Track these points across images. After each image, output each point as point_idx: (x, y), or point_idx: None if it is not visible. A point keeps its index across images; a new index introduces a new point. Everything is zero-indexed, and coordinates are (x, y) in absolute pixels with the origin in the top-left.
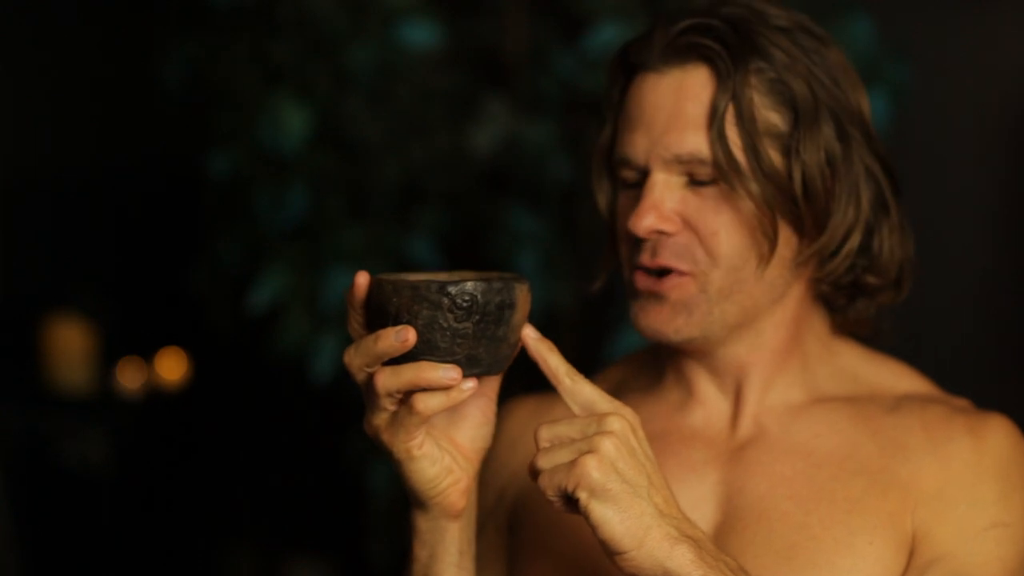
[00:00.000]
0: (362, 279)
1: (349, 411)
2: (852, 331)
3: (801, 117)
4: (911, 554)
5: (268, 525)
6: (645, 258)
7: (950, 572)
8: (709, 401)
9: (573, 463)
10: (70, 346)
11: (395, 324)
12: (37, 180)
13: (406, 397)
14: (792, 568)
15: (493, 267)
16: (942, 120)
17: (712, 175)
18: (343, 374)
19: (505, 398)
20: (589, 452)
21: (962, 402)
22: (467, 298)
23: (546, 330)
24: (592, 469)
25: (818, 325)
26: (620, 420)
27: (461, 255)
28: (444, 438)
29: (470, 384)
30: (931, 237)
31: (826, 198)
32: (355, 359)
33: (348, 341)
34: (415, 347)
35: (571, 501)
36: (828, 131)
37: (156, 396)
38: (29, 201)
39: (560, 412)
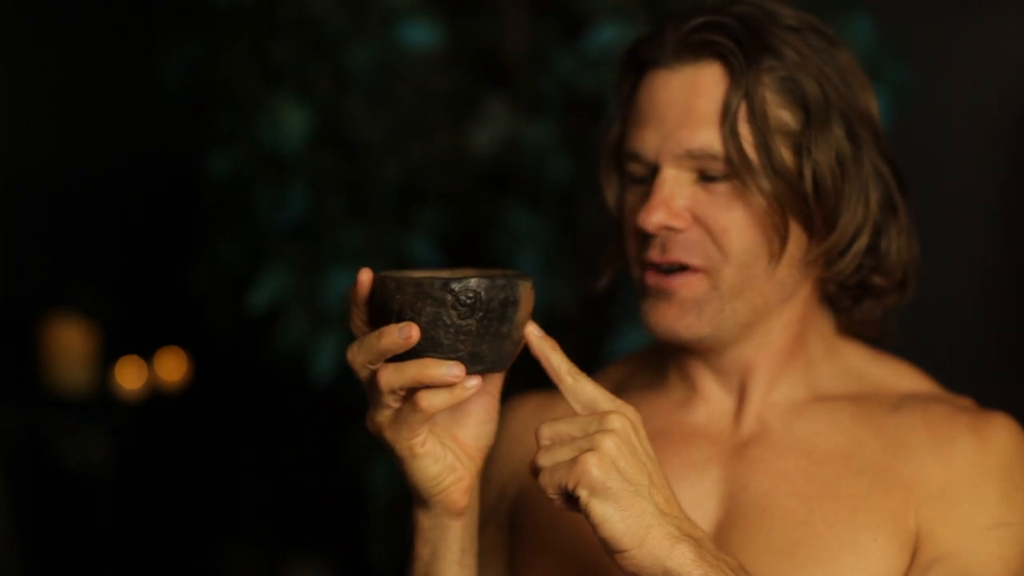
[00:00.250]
0: (365, 276)
1: (349, 411)
2: (858, 332)
3: (812, 116)
4: (914, 553)
5: (268, 525)
6: (654, 254)
7: (953, 572)
8: (712, 399)
9: (574, 461)
10: (70, 346)
11: (398, 321)
12: (37, 180)
13: (409, 394)
14: (794, 565)
15: (494, 267)
16: (942, 120)
17: (724, 171)
18: (343, 374)
19: (508, 395)
20: (590, 450)
21: (965, 401)
22: (471, 295)
23: (546, 330)
24: (593, 467)
25: (824, 325)
26: (621, 419)
27: (461, 255)
28: (447, 435)
29: (474, 381)
30: (931, 237)
31: (836, 198)
32: (358, 356)
33: (349, 341)
34: (418, 344)
35: (571, 499)
36: (839, 131)
37: (156, 396)
38: (29, 201)
39: (563, 410)
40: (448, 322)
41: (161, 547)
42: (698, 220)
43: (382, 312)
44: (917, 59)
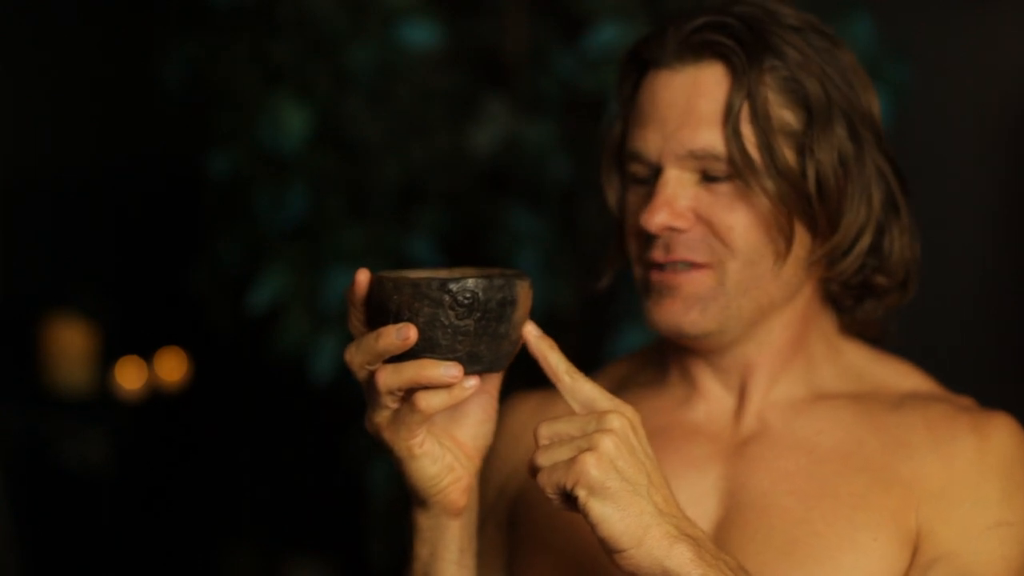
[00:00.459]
0: (363, 276)
1: (349, 411)
2: (859, 332)
3: (815, 117)
4: (914, 552)
5: (268, 525)
6: (657, 254)
7: (953, 571)
8: (712, 397)
9: (572, 461)
10: (70, 346)
11: (396, 322)
12: (37, 180)
13: (407, 395)
14: (793, 564)
15: (494, 267)
16: (942, 120)
17: (726, 171)
18: (343, 374)
19: (506, 395)
20: (588, 450)
21: (966, 401)
22: (468, 295)
23: (546, 330)
24: (591, 467)
25: (825, 325)
26: (620, 418)
27: (461, 255)
28: (445, 436)
29: (472, 382)
30: (931, 237)
31: (839, 197)
32: (356, 357)
33: (348, 340)
34: (416, 345)
35: (570, 499)
36: (841, 131)
37: (156, 396)
38: (29, 201)
39: (562, 409)
40: (446, 323)
41: (161, 547)
42: (701, 220)
43: (380, 313)
44: (917, 59)
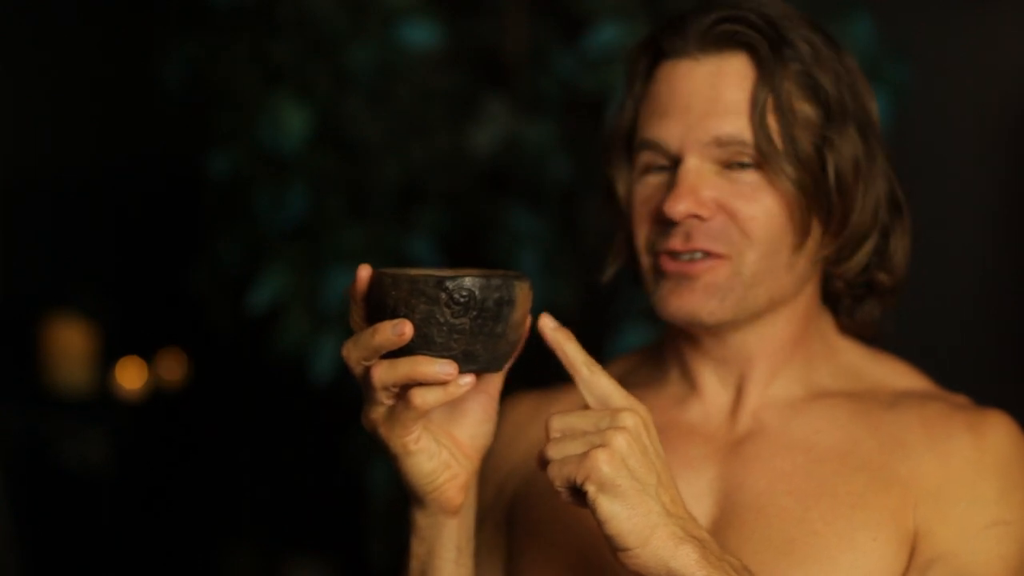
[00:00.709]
0: (364, 272)
1: (349, 411)
2: (858, 333)
3: (832, 112)
4: (912, 552)
5: (268, 525)
6: (676, 243)
7: (952, 571)
8: (709, 394)
9: (584, 455)
10: (70, 346)
11: (393, 318)
12: (37, 180)
13: (403, 391)
14: (790, 563)
15: (494, 267)
16: (942, 120)
17: (753, 158)
18: (343, 374)
19: (505, 394)
20: (601, 446)
21: (962, 399)
22: (464, 293)
23: None
24: (603, 463)
25: (824, 324)
26: (634, 416)
27: (461, 255)
28: (443, 434)
29: (467, 380)
30: (931, 237)
31: (853, 194)
32: (353, 352)
33: (348, 338)
34: (412, 341)
35: (579, 494)
36: (853, 129)
37: (156, 396)
38: (29, 201)
39: (560, 409)
40: (441, 320)
41: (161, 547)
42: (723, 209)
43: (378, 308)
44: (917, 59)
